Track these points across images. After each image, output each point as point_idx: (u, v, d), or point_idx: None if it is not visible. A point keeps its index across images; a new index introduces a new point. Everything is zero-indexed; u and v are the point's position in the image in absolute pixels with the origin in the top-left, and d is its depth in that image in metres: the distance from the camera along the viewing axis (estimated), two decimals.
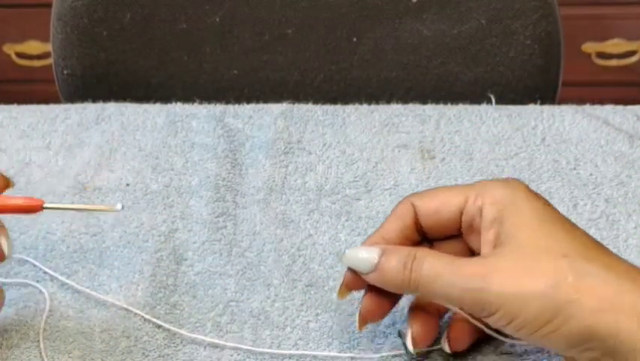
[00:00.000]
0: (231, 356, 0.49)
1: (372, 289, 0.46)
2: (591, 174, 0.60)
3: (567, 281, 0.39)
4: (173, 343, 0.49)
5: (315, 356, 0.48)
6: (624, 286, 0.39)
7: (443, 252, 0.46)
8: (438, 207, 0.46)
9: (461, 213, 0.45)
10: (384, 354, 0.48)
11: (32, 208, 0.47)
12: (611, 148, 0.62)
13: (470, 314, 0.44)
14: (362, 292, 0.47)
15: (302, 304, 0.51)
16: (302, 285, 0.53)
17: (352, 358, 0.48)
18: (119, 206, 0.47)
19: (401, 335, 0.48)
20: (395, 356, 0.48)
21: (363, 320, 0.46)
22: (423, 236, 0.47)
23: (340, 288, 0.47)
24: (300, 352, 0.49)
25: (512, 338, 0.44)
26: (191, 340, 0.49)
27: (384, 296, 0.46)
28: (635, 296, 0.39)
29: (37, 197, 0.58)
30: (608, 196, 0.58)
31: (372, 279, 0.44)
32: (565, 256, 0.40)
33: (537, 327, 0.40)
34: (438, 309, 0.47)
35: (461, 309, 0.43)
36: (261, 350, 0.49)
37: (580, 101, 0.66)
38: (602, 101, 0.66)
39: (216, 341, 0.49)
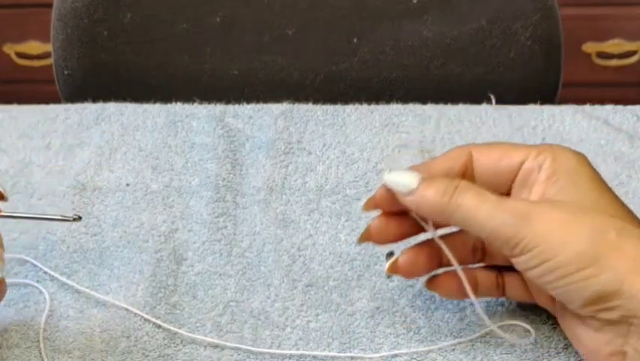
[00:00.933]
0: (231, 356, 0.49)
1: (390, 213, 0.47)
2: None
3: (609, 236, 0.40)
4: (173, 343, 0.49)
5: (315, 356, 0.48)
6: None
7: None
8: (499, 157, 0.46)
9: (520, 167, 0.45)
10: (384, 354, 0.48)
11: None
12: (611, 148, 0.62)
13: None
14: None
15: (302, 304, 0.51)
16: (302, 285, 0.53)
17: (352, 358, 0.48)
18: (73, 215, 0.49)
19: (388, 254, 0.48)
20: (395, 356, 0.48)
21: (367, 236, 0.47)
22: None
23: (368, 200, 0.47)
24: (300, 352, 0.49)
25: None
26: (191, 340, 0.49)
27: (397, 225, 0.46)
28: None
29: (37, 197, 0.59)
30: None
31: (409, 201, 0.45)
32: (612, 216, 0.41)
33: (568, 273, 0.40)
34: (440, 256, 0.47)
35: (491, 243, 0.43)
36: (260, 350, 0.49)
37: (580, 101, 0.66)
38: (602, 101, 0.66)
39: (216, 341, 0.49)
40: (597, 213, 0.42)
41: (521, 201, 0.43)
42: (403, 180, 0.44)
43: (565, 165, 0.44)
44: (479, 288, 0.48)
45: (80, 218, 0.49)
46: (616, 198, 0.44)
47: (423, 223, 0.46)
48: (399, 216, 0.47)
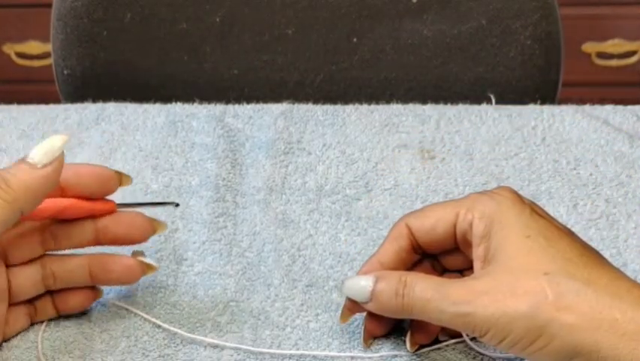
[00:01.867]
0: (231, 356, 0.49)
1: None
2: (591, 174, 0.60)
3: (547, 300, 0.41)
4: (173, 343, 0.49)
5: (315, 356, 0.48)
6: (602, 302, 0.40)
7: (448, 265, 0.49)
8: (433, 225, 0.47)
9: (455, 229, 0.46)
10: (384, 354, 0.48)
11: (107, 210, 0.49)
12: (611, 148, 0.62)
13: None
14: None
15: (302, 304, 0.51)
16: (302, 285, 0.53)
17: (352, 358, 0.48)
18: (175, 203, 0.54)
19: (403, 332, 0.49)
20: (395, 356, 0.48)
21: (369, 336, 0.49)
22: (423, 253, 0.48)
23: (342, 312, 0.48)
24: (300, 352, 0.49)
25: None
26: (191, 340, 0.49)
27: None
28: (614, 311, 0.40)
29: None
30: (608, 196, 0.58)
31: (370, 308, 0.46)
32: (545, 273, 0.41)
33: (526, 345, 0.41)
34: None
35: (455, 329, 0.45)
36: (260, 350, 0.49)
37: (580, 101, 0.66)
38: (602, 101, 0.66)
39: (216, 341, 0.49)
40: (532, 275, 0.42)
41: (462, 286, 0.43)
42: (358, 289, 0.46)
43: (490, 219, 0.44)
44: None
45: (178, 205, 0.54)
46: (549, 237, 0.43)
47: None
48: None
